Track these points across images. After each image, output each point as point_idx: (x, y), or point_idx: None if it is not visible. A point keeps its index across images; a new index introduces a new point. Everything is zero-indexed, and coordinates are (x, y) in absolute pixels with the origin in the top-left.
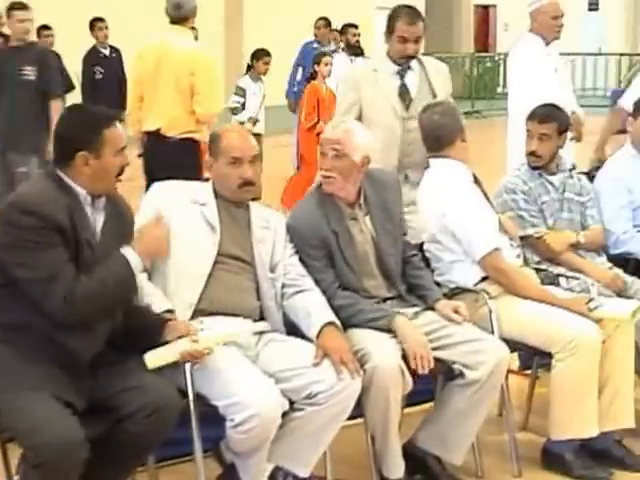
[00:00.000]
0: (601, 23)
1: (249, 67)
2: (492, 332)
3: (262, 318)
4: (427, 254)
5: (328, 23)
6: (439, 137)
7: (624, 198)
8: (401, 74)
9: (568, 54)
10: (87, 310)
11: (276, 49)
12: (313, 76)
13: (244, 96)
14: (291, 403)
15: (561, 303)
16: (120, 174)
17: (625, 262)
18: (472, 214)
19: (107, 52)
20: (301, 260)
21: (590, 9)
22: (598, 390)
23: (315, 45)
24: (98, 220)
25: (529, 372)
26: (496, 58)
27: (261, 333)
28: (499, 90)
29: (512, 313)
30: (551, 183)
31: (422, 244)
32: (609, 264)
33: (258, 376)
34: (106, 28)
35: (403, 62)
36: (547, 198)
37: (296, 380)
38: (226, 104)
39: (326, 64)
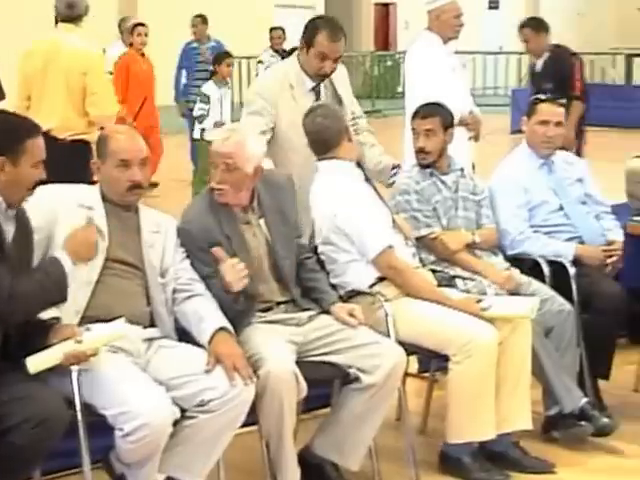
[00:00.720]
0: (502, 21)
1: (212, 72)
2: (388, 335)
3: (152, 324)
4: (322, 256)
5: (204, 20)
6: (325, 140)
7: (520, 198)
8: (316, 91)
9: (469, 53)
10: (27, 309)
11: (159, 49)
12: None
13: (208, 102)
14: (183, 411)
15: (453, 304)
16: (34, 187)
17: (522, 262)
18: (363, 213)
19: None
20: (192, 265)
21: (490, 7)
22: (495, 392)
23: (194, 45)
24: (9, 230)
25: (428, 375)
26: (397, 57)
27: (151, 340)
28: (400, 89)
29: (408, 316)
30: (443, 182)
31: (317, 246)
32: (506, 264)
33: (148, 384)
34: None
35: (318, 79)
36: (440, 197)
37: (187, 387)
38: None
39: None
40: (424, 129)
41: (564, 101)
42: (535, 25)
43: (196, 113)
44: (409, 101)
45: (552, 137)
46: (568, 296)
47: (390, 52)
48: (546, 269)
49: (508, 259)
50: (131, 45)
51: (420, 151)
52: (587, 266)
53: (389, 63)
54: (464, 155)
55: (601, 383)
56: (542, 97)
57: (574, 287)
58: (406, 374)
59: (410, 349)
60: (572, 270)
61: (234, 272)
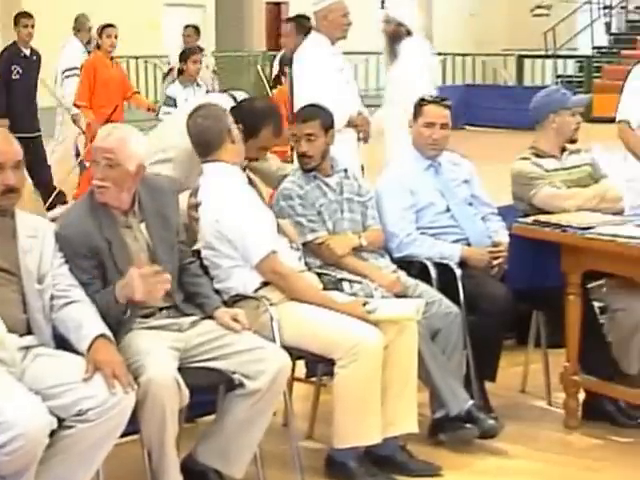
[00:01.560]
0: None
1: (179, 71)
2: (274, 340)
3: (29, 332)
4: (205, 261)
5: (197, 31)
6: (207, 141)
7: (407, 200)
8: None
9: (362, 53)
10: None
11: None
12: (278, 81)
13: (174, 105)
14: (61, 421)
15: (339, 308)
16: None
17: (409, 265)
18: (246, 217)
19: (27, 52)
20: (71, 270)
21: (383, 7)
22: (381, 396)
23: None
24: None
25: (315, 379)
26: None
27: (28, 348)
28: None
29: (294, 320)
30: (327, 185)
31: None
32: (393, 266)
33: (22, 394)
34: (32, 27)
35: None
36: (324, 201)
37: (65, 397)
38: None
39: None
40: (305, 133)
41: (450, 103)
42: None
43: (161, 117)
44: (298, 103)
45: (438, 139)
46: (455, 299)
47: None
48: (433, 271)
49: (395, 261)
50: (98, 47)
51: (302, 156)
52: (473, 268)
53: None
54: (353, 157)
55: (488, 385)
56: (428, 98)
57: (460, 289)
58: (293, 379)
59: (296, 353)
60: (458, 272)
61: (147, 283)
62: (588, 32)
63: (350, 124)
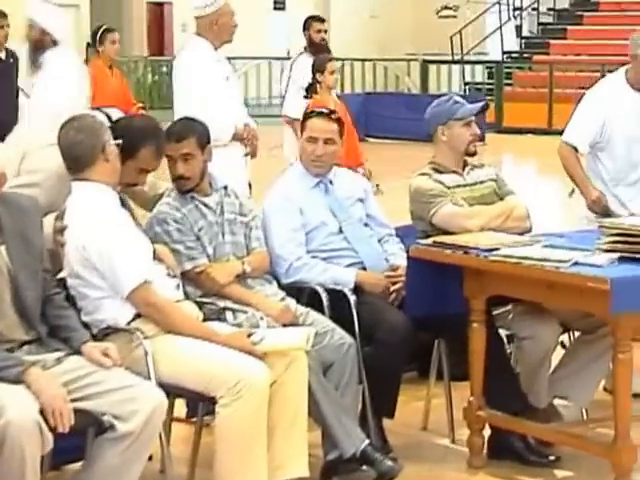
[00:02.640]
0: (289, 23)
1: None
2: (149, 377)
3: None
4: (71, 291)
5: None
6: (78, 156)
7: (295, 220)
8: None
9: (253, 58)
10: None
11: None
12: (313, 89)
13: None
14: None
15: (221, 340)
16: None
17: (299, 292)
18: (116, 244)
19: (3, 55)
20: None
21: (276, 8)
22: (268, 436)
23: None
24: None
25: (196, 419)
26: (173, 62)
27: None
28: None
29: (171, 354)
30: (206, 205)
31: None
32: (281, 293)
33: None
34: (7, 26)
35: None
36: (204, 223)
37: None
38: None
39: (332, 72)
40: (181, 153)
41: (338, 115)
42: None
43: None
44: (178, 114)
45: (321, 156)
46: (349, 328)
47: (166, 57)
48: (325, 298)
49: (283, 288)
50: (97, 53)
51: (179, 178)
52: (369, 294)
53: (165, 69)
54: (239, 174)
55: (386, 422)
56: (316, 110)
57: (355, 317)
58: (171, 419)
59: (174, 391)
60: (353, 299)
61: None
62: (498, 36)
63: (236, 137)
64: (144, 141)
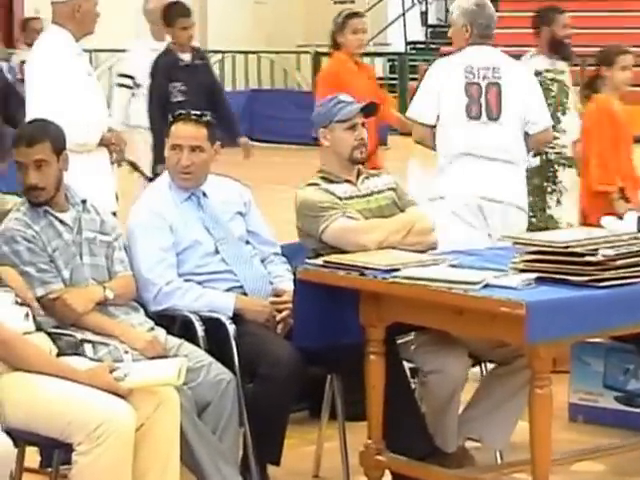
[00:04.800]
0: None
1: None
2: None
3: None
4: None
5: None
6: None
7: (166, 239)
8: None
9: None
10: None
11: None
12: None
13: None
14: None
15: (79, 377)
16: None
17: (170, 320)
18: None
19: (188, 57)
20: None
21: None
22: None
23: None
24: None
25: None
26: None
27: None
28: None
29: (20, 395)
30: (62, 222)
31: None
32: (149, 323)
33: None
34: (192, 27)
35: None
36: (59, 242)
37: None
38: None
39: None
40: (33, 160)
41: (208, 118)
42: None
43: None
44: (31, 116)
45: (188, 166)
46: (229, 362)
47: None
48: (199, 328)
49: (151, 317)
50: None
51: (32, 189)
52: (251, 323)
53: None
54: (105, 185)
55: (271, 469)
56: (183, 112)
57: (234, 350)
58: (22, 470)
59: (24, 438)
60: (232, 328)
61: None
62: (400, 24)
63: (102, 142)
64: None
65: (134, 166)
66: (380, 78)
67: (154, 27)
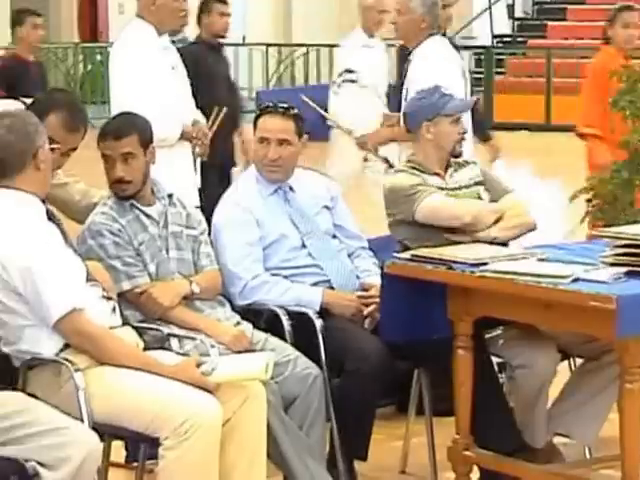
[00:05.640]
0: (246, 7)
1: None
2: (81, 416)
3: None
4: None
5: None
6: (2, 160)
7: (252, 233)
8: None
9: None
10: None
11: None
12: None
13: None
14: None
15: (166, 371)
16: None
17: (256, 315)
18: (41, 265)
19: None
20: None
21: None
22: None
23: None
24: None
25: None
26: (109, 49)
27: None
28: None
29: (107, 389)
30: (148, 216)
31: None
32: (235, 317)
33: None
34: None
35: None
36: (145, 236)
37: None
38: None
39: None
40: (120, 153)
41: (296, 112)
42: None
43: None
44: (115, 111)
45: (276, 160)
46: (315, 357)
47: (100, 44)
48: (286, 322)
49: (238, 311)
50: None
51: (118, 182)
52: (338, 317)
53: (99, 58)
54: (188, 179)
55: (358, 465)
56: (270, 105)
57: (321, 345)
58: (109, 464)
59: (111, 432)
60: (319, 323)
61: None
62: (487, 17)
63: (184, 137)
64: (51, 108)
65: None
66: None
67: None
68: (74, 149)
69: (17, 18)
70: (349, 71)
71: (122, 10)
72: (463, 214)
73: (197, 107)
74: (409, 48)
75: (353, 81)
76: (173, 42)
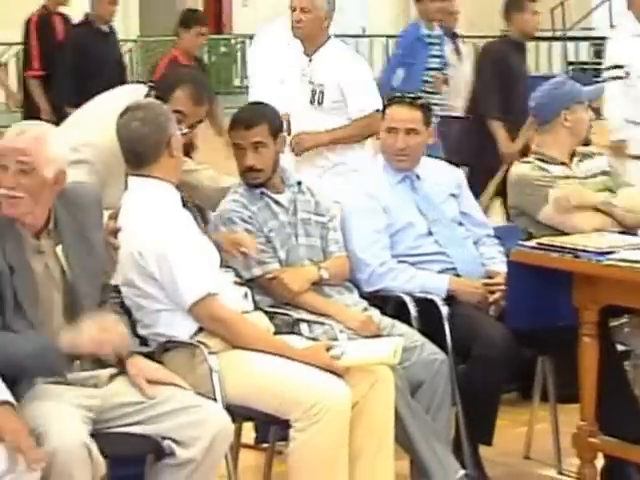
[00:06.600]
0: None
1: None
2: (214, 397)
3: None
4: (126, 301)
5: None
6: (140, 152)
7: (379, 221)
8: None
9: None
10: None
11: None
12: None
13: None
14: None
15: (296, 355)
16: None
17: (383, 301)
18: (177, 251)
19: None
20: None
21: None
22: (350, 466)
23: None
24: None
25: (267, 446)
26: (233, 41)
27: None
28: (237, 82)
29: (239, 372)
30: (278, 203)
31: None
32: (363, 303)
33: None
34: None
35: None
36: (275, 224)
37: None
38: None
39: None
40: (251, 142)
41: (423, 101)
42: None
43: None
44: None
45: (404, 149)
46: (441, 343)
47: (225, 35)
48: (413, 309)
49: (366, 297)
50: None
51: (249, 170)
52: (464, 304)
53: (223, 49)
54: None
55: (483, 450)
56: (398, 96)
57: (447, 331)
58: (239, 445)
59: (243, 414)
60: (445, 309)
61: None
62: (606, 7)
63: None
64: (179, 83)
65: None
66: (584, 62)
67: None
68: (200, 121)
69: (186, 20)
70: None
71: (245, 3)
72: (584, 229)
73: None
74: None
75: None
76: None
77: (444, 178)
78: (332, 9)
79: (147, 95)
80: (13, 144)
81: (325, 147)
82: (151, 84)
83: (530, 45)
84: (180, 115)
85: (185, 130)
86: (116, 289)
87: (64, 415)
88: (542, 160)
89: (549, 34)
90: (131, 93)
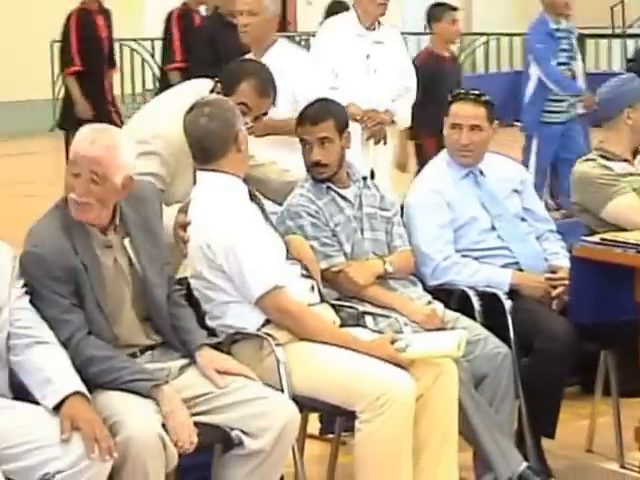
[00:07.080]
0: None
1: None
2: (281, 388)
3: None
4: (195, 293)
5: None
6: (208, 148)
7: (443, 215)
8: None
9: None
10: None
11: None
12: None
13: None
14: None
15: (362, 347)
16: None
17: (447, 295)
18: (245, 244)
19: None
20: (41, 297)
21: None
22: (414, 457)
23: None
24: None
25: (332, 437)
26: (297, 39)
27: None
28: None
29: (306, 364)
30: (344, 198)
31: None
32: (427, 297)
33: None
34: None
35: None
36: (341, 218)
37: (27, 458)
38: None
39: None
40: (317, 137)
41: (487, 98)
42: None
43: None
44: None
45: (467, 145)
46: (505, 336)
47: (289, 33)
48: (476, 303)
49: (430, 291)
50: None
51: (316, 165)
52: (527, 298)
53: None
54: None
55: (545, 443)
56: (462, 92)
57: (510, 325)
58: (305, 436)
59: (309, 405)
60: (508, 304)
61: None
62: None
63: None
64: (244, 76)
65: None
66: None
67: None
68: (265, 114)
69: (435, 13)
70: None
71: (310, 1)
72: None
73: None
74: None
75: None
76: None
77: (507, 174)
78: (277, 9)
79: (213, 88)
80: (87, 153)
81: None
82: (217, 78)
83: (589, 42)
84: (245, 107)
85: (250, 123)
86: (180, 282)
87: (138, 406)
88: (604, 157)
89: (608, 31)
90: (199, 87)
